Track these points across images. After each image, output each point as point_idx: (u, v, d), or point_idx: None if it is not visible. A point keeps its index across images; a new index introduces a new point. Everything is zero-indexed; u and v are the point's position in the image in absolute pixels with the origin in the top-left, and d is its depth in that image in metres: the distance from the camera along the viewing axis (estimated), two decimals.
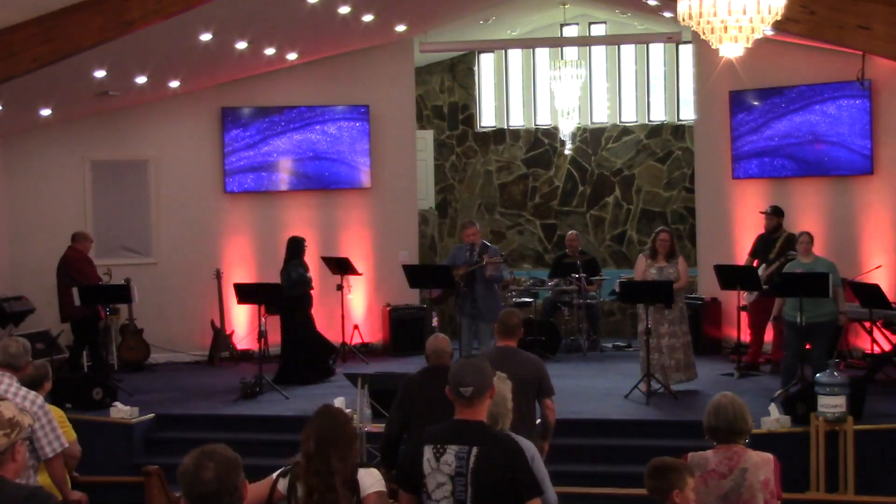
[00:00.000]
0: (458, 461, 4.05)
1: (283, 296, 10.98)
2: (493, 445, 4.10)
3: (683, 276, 10.23)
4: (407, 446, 4.44)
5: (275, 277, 12.30)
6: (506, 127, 15.99)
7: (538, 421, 6.46)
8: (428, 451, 4.12)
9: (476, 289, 10.73)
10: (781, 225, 11.47)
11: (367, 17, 10.84)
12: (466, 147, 15.98)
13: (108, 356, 11.56)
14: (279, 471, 4.25)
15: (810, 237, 10.09)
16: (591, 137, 15.64)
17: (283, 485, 4.14)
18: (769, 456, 4.64)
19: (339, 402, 7.73)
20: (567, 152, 15.44)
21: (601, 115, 15.77)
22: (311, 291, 11.37)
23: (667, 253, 10.23)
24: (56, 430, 5.51)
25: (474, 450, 4.05)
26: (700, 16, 6.28)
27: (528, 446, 4.73)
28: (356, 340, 13.03)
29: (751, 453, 4.60)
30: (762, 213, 11.62)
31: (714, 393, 4.91)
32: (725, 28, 6.26)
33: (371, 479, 4.19)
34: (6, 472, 3.72)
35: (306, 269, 11.31)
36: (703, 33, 6.38)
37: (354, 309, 13.18)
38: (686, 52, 14.75)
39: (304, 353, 11.23)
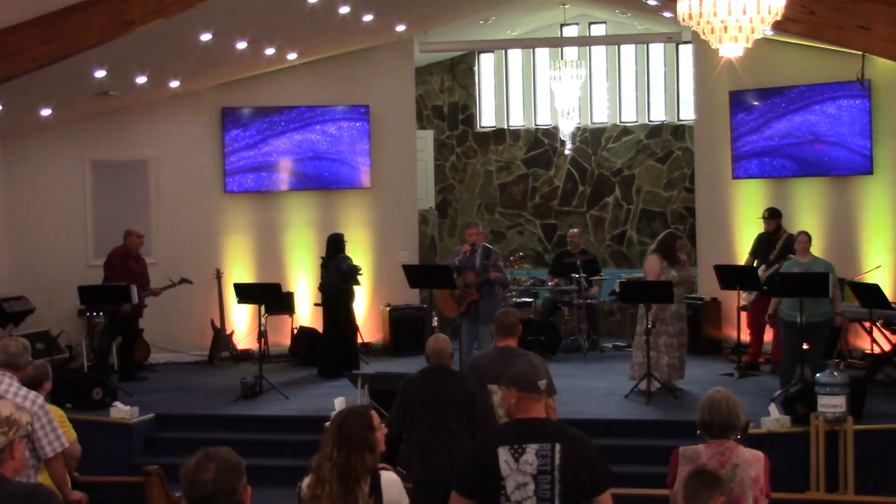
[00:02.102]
0: (540, 459, 4.02)
1: (332, 290, 11.49)
2: (574, 440, 4.09)
3: (689, 274, 10.54)
4: (469, 452, 4.32)
5: (275, 277, 12.39)
6: (506, 127, 15.99)
7: None
8: (504, 453, 4.05)
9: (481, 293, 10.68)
10: (780, 225, 11.47)
11: (367, 17, 10.84)
12: (466, 147, 15.98)
13: (108, 356, 11.57)
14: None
15: (808, 237, 10.09)
16: (591, 137, 15.64)
17: (305, 483, 4.07)
18: (760, 454, 4.67)
19: (339, 402, 7.74)
20: (567, 152, 15.44)
21: (601, 115, 15.76)
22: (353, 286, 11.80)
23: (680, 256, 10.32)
24: (56, 429, 5.50)
25: (558, 446, 4.03)
26: (700, 16, 6.28)
27: None
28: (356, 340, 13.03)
29: (742, 450, 4.63)
30: (760, 217, 11.64)
31: None
32: (725, 28, 6.25)
33: (393, 494, 4.08)
34: (5, 471, 3.72)
35: (327, 268, 11.60)
36: (703, 33, 6.37)
37: (354, 309, 13.16)
38: (686, 52, 14.75)
39: (343, 349, 11.49)
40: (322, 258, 11.85)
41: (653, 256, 10.31)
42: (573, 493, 4.02)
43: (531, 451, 4.03)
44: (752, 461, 4.59)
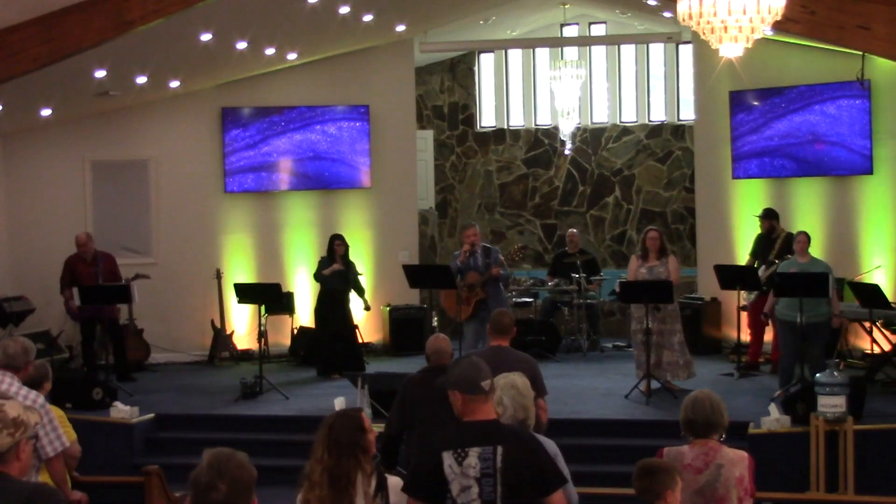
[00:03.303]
0: (482, 463, 4.03)
1: (327, 289, 11.64)
2: (516, 442, 4.10)
3: (673, 273, 10.13)
4: (418, 456, 4.36)
5: (275, 277, 12.41)
6: (506, 127, 15.99)
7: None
8: (448, 458, 4.06)
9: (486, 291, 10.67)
10: (775, 226, 11.46)
11: (367, 17, 10.84)
12: (466, 147, 15.98)
13: (107, 356, 11.56)
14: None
15: (807, 237, 10.09)
16: (591, 137, 15.64)
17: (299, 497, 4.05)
18: (744, 454, 4.70)
19: (339, 402, 7.75)
20: (567, 152, 15.44)
21: (601, 115, 15.77)
22: (349, 286, 11.82)
23: (657, 251, 10.22)
24: (57, 429, 5.50)
25: (499, 449, 4.03)
26: (700, 16, 6.27)
27: (551, 444, 4.71)
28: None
29: (726, 450, 4.65)
30: (756, 216, 11.65)
31: None
32: (725, 28, 6.25)
33: (397, 499, 4.07)
34: (10, 471, 3.72)
35: (327, 267, 11.52)
36: (703, 33, 6.37)
37: (354, 309, 13.16)
38: (686, 52, 14.75)
39: (343, 349, 11.52)
40: (322, 258, 11.85)
41: (632, 257, 10.53)
42: (517, 495, 4.03)
43: (473, 454, 4.04)
44: (737, 461, 4.62)
